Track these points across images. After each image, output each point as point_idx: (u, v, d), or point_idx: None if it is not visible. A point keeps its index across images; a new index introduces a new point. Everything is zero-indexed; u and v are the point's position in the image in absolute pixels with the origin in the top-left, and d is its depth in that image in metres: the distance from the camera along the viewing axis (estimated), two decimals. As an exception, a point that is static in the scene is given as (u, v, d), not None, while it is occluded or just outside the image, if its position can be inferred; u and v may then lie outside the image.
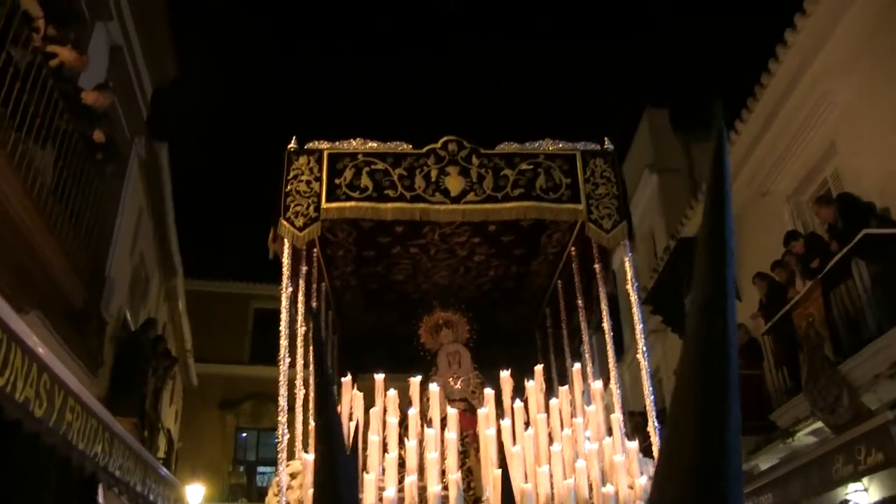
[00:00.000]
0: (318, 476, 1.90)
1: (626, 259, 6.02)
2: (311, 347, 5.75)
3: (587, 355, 6.74)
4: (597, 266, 6.32)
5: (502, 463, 4.81)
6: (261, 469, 21.86)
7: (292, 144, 6.09)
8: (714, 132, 1.53)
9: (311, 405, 5.87)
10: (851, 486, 8.75)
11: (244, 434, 22.33)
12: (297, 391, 5.63)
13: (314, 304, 6.47)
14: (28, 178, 6.47)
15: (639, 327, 5.88)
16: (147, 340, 11.57)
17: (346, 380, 5.93)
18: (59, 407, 5.30)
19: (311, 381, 6.17)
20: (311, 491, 4.87)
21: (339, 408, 5.58)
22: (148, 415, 11.69)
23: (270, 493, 5.24)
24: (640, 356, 5.73)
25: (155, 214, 13.36)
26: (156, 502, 9.14)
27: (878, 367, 7.68)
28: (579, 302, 6.70)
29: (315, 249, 6.40)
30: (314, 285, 6.47)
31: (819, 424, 8.90)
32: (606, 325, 6.16)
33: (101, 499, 9.02)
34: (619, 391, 6.03)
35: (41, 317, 7.21)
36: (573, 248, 6.79)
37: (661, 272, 13.83)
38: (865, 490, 8.73)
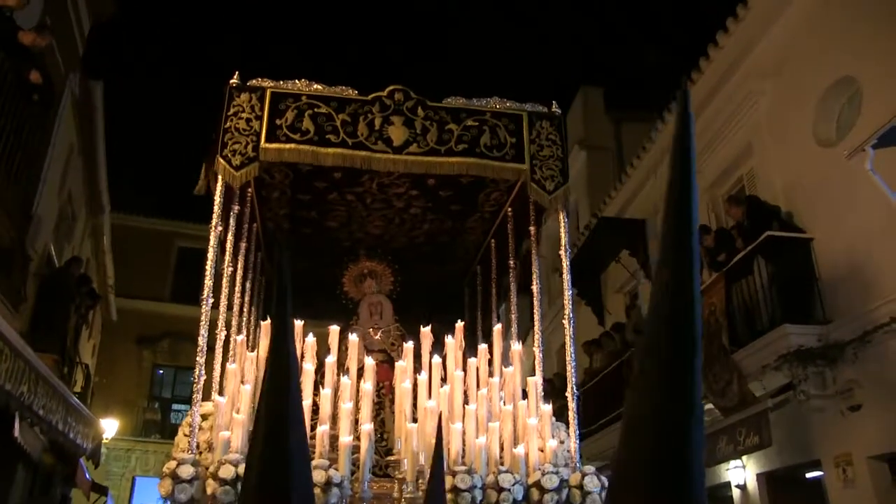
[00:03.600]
0: (266, 427, 1.56)
1: (563, 223, 5.98)
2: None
3: (513, 316, 6.65)
4: (532, 228, 6.31)
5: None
6: (175, 406, 21.77)
7: (234, 80, 5.83)
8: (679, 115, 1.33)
9: (232, 348, 5.84)
10: (733, 463, 9.54)
11: (161, 371, 22.20)
12: (218, 332, 5.48)
13: (243, 245, 6.31)
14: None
15: (567, 293, 5.84)
16: (71, 278, 11.52)
17: (265, 324, 5.81)
18: (-11, 349, 5.46)
19: (244, 323, 6.18)
20: (226, 434, 4.90)
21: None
22: (68, 351, 11.72)
23: (181, 432, 5.18)
24: (565, 321, 5.74)
25: (85, 152, 13.07)
26: (75, 439, 9.33)
27: (766, 359, 8.21)
28: (511, 262, 6.65)
29: (249, 189, 6.21)
30: (245, 225, 6.30)
31: (710, 406, 9.50)
32: (535, 287, 6.15)
33: (17, 433, 9.14)
34: (541, 354, 5.98)
35: (-34, 252, 7.25)
36: (510, 209, 6.76)
37: (581, 248, 14.35)
38: (744, 467, 9.54)
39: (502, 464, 5.18)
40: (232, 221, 5.89)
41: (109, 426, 18.04)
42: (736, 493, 9.82)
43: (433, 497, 2.21)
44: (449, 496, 4.67)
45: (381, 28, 48.85)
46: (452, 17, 48.26)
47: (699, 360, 1.22)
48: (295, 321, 5.69)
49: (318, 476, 4.53)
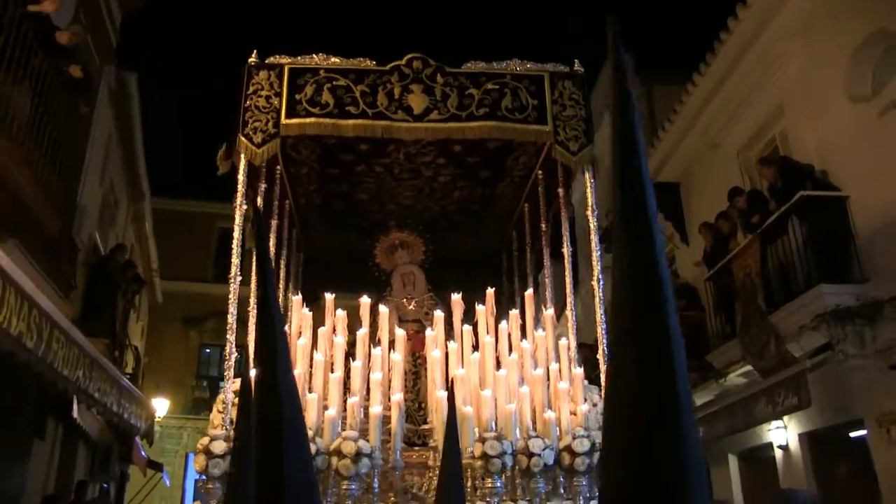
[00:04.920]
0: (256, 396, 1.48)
1: (589, 184, 5.84)
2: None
3: (546, 280, 6.60)
4: (560, 190, 6.23)
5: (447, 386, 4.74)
6: (223, 384, 22.30)
7: (253, 58, 5.86)
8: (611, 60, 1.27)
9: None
10: (774, 424, 9.56)
11: (208, 350, 22.59)
12: (250, 309, 5.40)
13: (274, 222, 6.36)
14: (6, 118, 6.67)
15: (595, 254, 5.70)
16: (116, 265, 11.88)
17: (297, 298, 5.89)
18: (47, 339, 5.70)
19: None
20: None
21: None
22: (118, 335, 12.11)
23: (215, 409, 5.25)
24: (594, 283, 5.60)
25: (124, 141, 13.38)
26: (129, 419, 9.68)
27: (803, 319, 8.19)
28: (543, 226, 6.62)
29: (278, 167, 6.25)
30: (276, 202, 6.35)
31: (749, 367, 9.48)
32: (566, 250, 6.10)
33: (76, 414, 9.51)
34: (574, 318, 5.89)
35: (18, 245, 7.47)
36: (540, 172, 6.67)
37: (616, 213, 14.32)
38: (785, 427, 9.57)
39: (534, 429, 5.15)
40: (260, 199, 5.92)
41: (161, 405, 18.52)
42: (778, 453, 9.80)
43: (447, 479, 2.17)
44: (479, 463, 4.69)
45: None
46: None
47: (673, 319, 1.15)
48: (327, 294, 5.77)
49: (347, 447, 4.57)
